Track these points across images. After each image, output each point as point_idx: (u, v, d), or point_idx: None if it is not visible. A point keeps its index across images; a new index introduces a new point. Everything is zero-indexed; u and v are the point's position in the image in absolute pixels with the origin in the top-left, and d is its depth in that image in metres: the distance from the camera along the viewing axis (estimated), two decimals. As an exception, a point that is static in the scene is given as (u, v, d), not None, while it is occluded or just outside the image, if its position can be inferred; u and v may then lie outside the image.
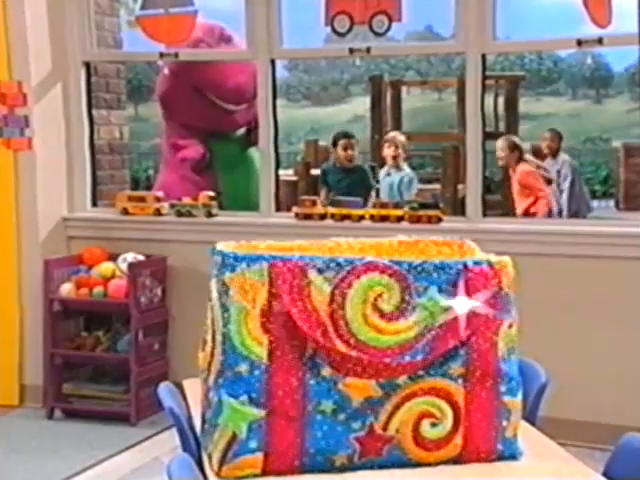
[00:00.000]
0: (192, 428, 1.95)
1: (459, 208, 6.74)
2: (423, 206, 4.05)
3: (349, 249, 1.94)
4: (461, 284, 1.75)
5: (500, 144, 7.12)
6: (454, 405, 1.75)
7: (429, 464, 1.75)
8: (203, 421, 1.84)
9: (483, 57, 3.88)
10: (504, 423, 1.77)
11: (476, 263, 1.77)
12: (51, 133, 4.44)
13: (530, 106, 13.64)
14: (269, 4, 4.12)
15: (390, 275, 1.74)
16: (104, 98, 5.00)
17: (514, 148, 7.03)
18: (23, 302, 4.37)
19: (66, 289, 4.21)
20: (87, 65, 4.55)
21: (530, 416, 1.99)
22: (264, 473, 1.68)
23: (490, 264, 1.78)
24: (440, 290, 1.75)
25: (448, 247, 1.95)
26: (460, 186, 7.99)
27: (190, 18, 4.35)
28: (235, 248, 1.81)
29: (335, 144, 6.23)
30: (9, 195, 4.32)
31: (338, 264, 1.74)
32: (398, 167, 6.48)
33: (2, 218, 4.34)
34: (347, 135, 6.29)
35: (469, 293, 1.75)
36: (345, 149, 6.09)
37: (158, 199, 4.48)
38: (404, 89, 10.65)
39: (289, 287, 1.72)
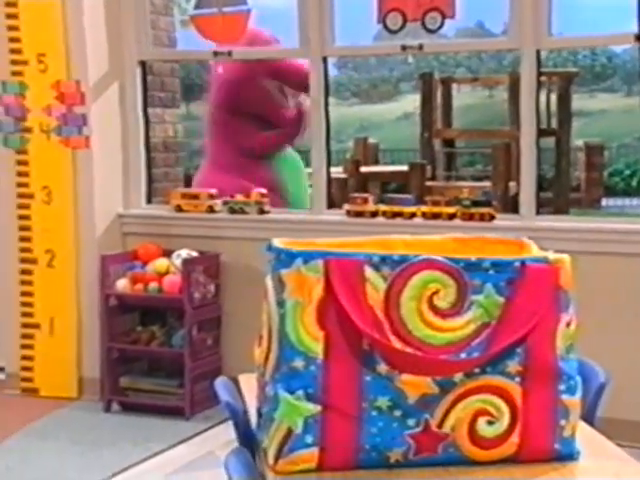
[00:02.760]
0: (247, 422, 1.96)
1: (510, 206, 6.67)
2: (475, 204, 4.02)
3: (404, 246, 1.92)
4: (518, 281, 1.72)
5: None
6: (511, 403, 1.72)
7: (485, 462, 1.73)
8: (259, 415, 1.84)
9: (538, 53, 3.82)
10: (562, 422, 1.74)
11: (534, 260, 1.74)
12: (108, 131, 4.50)
13: (583, 102, 13.39)
14: (322, 2, 4.12)
15: (446, 272, 1.72)
16: (159, 97, 5.05)
17: None
18: (81, 297, 4.45)
19: (122, 284, 4.27)
20: (143, 64, 4.61)
21: (588, 416, 1.95)
22: (319, 468, 1.68)
23: (548, 261, 1.75)
24: (497, 287, 1.72)
25: (504, 244, 1.91)
26: (511, 183, 7.90)
27: (243, 17, 4.38)
28: (291, 244, 1.81)
29: None
30: (67, 192, 4.40)
31: (394, 261, 1.72)
32: None
33: (61, 215, 4.42)
34: None
35: (527, 290, 1.73)
36: None
37: (211, 196, 4.51)
38: (454, 86, 10.54)
39: (345, 283, 1.71)
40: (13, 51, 4.34)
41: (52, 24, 4.27)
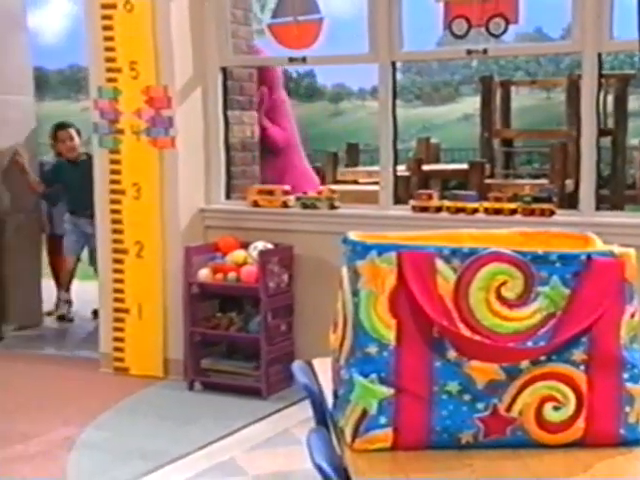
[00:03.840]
0: (323, 403, 1.96)
1: (566, 202, 6.53)
2: (536, 200, 3.94)
3: (471, 239, 1.89)
4: (584, 274, 1.68)
5: None
6: (576, 390, 1.68)
7: (552, 446, 1.69)
8: (335, 397, 1.83)
9: (599, 56, 3.72)
10: (627, 409, 1.69)
11: (600, 254, 1.70)
12: (191, 132, 4.55)
13: (639, 103, 13.06)
14: (391, 10, 4.10)
15: (514, 264, 1.69)
16: (238, 100, 5.09)
17: None
18: (166, 285, 4.52)
19: (203, 274, 4.32)
20: (224, 70, 4.65)
21: (651, 404, 1.90)
22: (393, 447, 1.66)
23: (614, 255, 1.70)
24: (563, 279, 1.69)
25: (570, 239, 1.87)
26: (567, 181, 7.74)
27: (317, 25, 4.37)
28: (365, 237, 1.80)
29: (55, 138, 5.86)
30: (155, 188, 4.47)
31: (463, 253, 1.70)
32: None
33: (149, 209, 4.49)
34: (64, 126, 5.85)
35: (592, 283, 1.68)
36: (64, 141, 5.76)
37: (285, 192, 4.53)
38: (513, 89, 10.37)
39: (416, 274, 1.69)
40: (108, 60, 4.42)
41: (143, 35, 4.34)
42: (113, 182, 4.56)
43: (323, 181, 7.62)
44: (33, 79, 5.90)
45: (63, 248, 6.02)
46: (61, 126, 5.92)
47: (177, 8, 4.41)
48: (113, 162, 4.53)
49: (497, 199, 4.06)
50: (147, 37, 4.34)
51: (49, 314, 6.07)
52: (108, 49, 4.41)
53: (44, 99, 16.16)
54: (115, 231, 4.59)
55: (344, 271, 1.81)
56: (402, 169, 8.54)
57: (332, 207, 4.40)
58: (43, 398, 4.17)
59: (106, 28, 4.39)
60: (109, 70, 4.43)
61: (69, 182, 5.70)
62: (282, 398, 4.04)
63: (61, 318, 6.06)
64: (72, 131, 5.85)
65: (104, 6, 4.37)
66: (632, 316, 1.72)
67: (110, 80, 4.44)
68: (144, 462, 3.08)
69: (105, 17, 4.38)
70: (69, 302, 6.12)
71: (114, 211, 4.58)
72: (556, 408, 1.68)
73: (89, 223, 5.34)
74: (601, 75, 3.79)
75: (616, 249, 1.72)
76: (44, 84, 18.54)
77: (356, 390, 1.70)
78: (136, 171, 4.49)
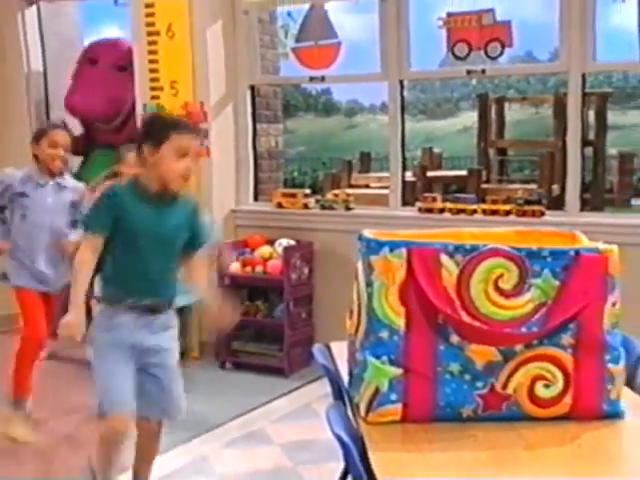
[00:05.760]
0: (340, 381, 1.96)
1: (553, 205, 6.48)
2: (528, 202, 3.92)
3: (471, 237, 1.88)
4: (573, 268, 1.67)
5: None
6: (564, 370, 1.68)
7: (543, 419, 1.69)
8: (350, 376, 1.83)
9: (583, 76, 3.69)
10: (609, 387, 1.69)
11: (587, 250, 1.69)
12: (224, 142, 4.56)
13: (617, 118, 12.93)
14: (399, 34, 4.08)
15: (510, 259, 1.68)
16: (265, 114, 5.09)
17: None
18: (202, 277, 4.51)
19: (234, 267, 4.32)
20: (252, 88, 4.64)
21: (630, 382, 1.88)
22: (403, 420, 1.67)
23: (599, 251, 1.69)
24: (553, 273, 1.68)
25: (559, 237, 1.86)
26: (554, 186, 7.68)
27: (335, 48, 4.36)
28: (378, 235, 1.79)
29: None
30: (192, 192, 4.46)
31: (466, 249, 1.70)
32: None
33: (187, 210, 4.49)
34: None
35: (579, 276, 1.67)
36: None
37: (306, 195, 4.52)
38: (506, 104, 10.29)
39: (423, 268, 1.69)
40: (152, 79, 4.43)
41: (182, 57, 4.34)
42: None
43: (339, 185, 7.62)
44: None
45: None
46: None
47: (212, 35, 4.42)
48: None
49: (493, 201, 4.04)
50: (186, 59, 4.34)
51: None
52: (152, 70, 4.42)
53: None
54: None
55: (359, 265, 1.81)
56: (409, 175, 8.50)
57: (347, 208, 4.39)
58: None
59: (151, 52, 4.40)
60: (152, 89, 4.44)
61: None
62: (303, 376, 4.03)
63: None
64: None
65: (150, 33, 4.38)
66: (614, 305, 1.71)
67: (153, 97, 4.45)
68: (185, 431, 3.09)
69: (150, 43, 4.39)
70: None
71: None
72: (546, 386, 1.68)
73: None
74: (584, 93, 3.76)
75: (601, 246, 1.71)
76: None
77: (369, 370, 1.70)
78: (176, 177, 4.48)
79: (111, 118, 4.79)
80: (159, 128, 2.31)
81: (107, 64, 4.81)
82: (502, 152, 9.89)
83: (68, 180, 3.37)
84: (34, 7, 5.06)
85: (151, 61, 4.41)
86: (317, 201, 4.48)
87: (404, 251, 1.70)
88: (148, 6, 4.35)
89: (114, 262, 2.31)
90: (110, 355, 2.30)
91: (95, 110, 4.72)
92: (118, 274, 2.32)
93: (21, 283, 3.23)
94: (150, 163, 2.28)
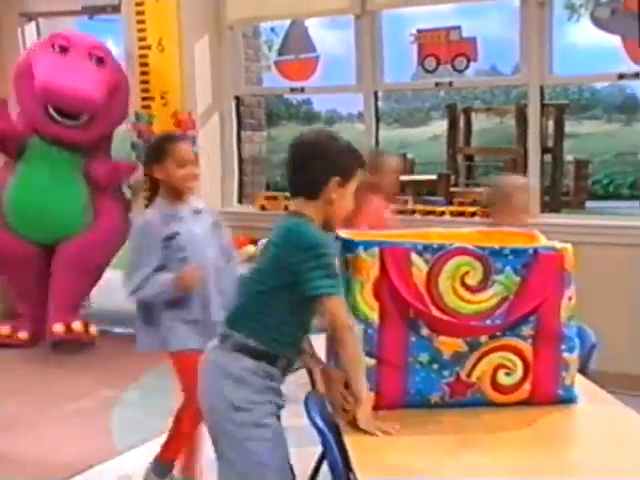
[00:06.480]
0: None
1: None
2: (492, 204, 3.93)
3: (440, 237, 1.89)
4: (532, 265, 1.68)
5: None
6: (524, 359, 1.69)
7: (504, 404, 1.70)
8: (328, 365, 1.82)
9: (542, 88, 3.72)
10: (564, 374, 1.70)
11: (545, 249, 1.70)
12: (211, 149, 4.53)
13: (573, 127, 13.07)
14: (374, 49, 4.08)
15: (475, 257, 1.69)
16: (249, 123, 5.08)
17: None
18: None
19: (221, 265, 4.29)
20: (237, 98, 4.62)
21: (583, 369, 1.90)
22: (376, 407, 1.66)
23: (556, 250, 1.70)
24: (515, 269, 1.69)
25: (519, 236, 1.87)
26: (517, 190, 7.74)
27: (314, 61, 4.35)
28: (353, 235, 1.79)
29: None
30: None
31: (434, 248, 1.70)
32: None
33: (176, 212, 4.45)
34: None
35: (538, 272, 1.68)
36: None
37: (287, 198, 4.51)
38: (473, 114, 10.37)
39: (395, 266, 1.69)
40: (143, 90, 4.40)
41: (172, 70, 4.31)
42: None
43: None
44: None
45: None
46: None
47: (200, 48, 4.40)
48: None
49: (460, 204, 4.06)
50: (175, 71, 4.31)
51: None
52: (143, 82, 4.38)
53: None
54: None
55: (337, 263, 1.80)
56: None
57: (325, 210, 4.39)
58: (91, 362, 4.11)
59: (142, 64, 4.37)
60: (144, 99, 4.41)
61: None
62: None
63: None
64: None
65: (141, 47, 4.35)
66: (570, 299, 1.72)
67: (145, 107, 4.42)
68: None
69: (142, 56, 4.36)
70: None
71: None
72: (507, 374, 1.69)
73: None
74: (543, 104, 3.79)
75: (557, 244, 1.72)
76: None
77: (346, 360, 1.69)
78: (166, 181, 4.45)
79: (98, 109, 4.00)
80: None
81: (80, 52, 4.10)
82: (469, 158, 9.96)
83: (197, 201, 2.49)
84: (33, 23, 5.01)
85: (142, 73, 4.38)
86: (297, 203, 4.47)
87: (377, 250, 1.70)
88: (140, 22, 4.33)
89: (294, 317, 1.69)
90: (283, 445, 1.68)
91: (89, 93, 3.91)
92: (300, 332, 1.75)
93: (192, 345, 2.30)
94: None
